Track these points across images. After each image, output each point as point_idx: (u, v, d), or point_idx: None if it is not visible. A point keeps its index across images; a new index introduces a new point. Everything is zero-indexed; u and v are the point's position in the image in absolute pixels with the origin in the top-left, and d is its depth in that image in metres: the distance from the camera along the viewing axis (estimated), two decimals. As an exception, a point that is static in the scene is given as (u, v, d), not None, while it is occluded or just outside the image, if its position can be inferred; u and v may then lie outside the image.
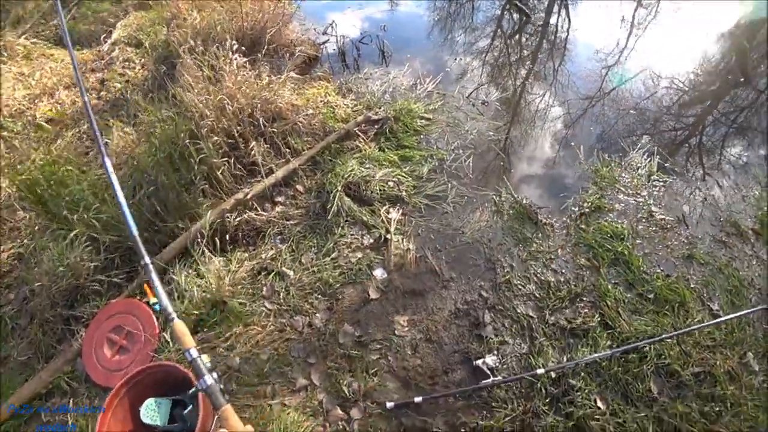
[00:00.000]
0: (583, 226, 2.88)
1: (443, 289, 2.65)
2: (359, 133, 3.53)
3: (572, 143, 3.56)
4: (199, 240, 2.61)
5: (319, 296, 2.59)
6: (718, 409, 2.22)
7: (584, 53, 4.66)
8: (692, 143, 3.64)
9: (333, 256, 2.74)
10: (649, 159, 3.33)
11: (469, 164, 3.35)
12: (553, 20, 5.24)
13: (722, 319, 2.39)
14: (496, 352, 2.35)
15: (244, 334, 2.41)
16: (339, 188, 2.99)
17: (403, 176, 3.19)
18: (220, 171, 2.93)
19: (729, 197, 3.13)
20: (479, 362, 2.30)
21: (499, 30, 5.11)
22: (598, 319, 2.45)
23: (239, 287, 2.57)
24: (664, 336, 2.26)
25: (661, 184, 3.19)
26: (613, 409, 2.15)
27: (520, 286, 2.63)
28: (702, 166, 3.39)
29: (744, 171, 3.34)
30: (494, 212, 3.02)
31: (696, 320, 2.45)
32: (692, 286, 2.62)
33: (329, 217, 2.89)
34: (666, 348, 2.29)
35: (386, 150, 3.44)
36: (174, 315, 1.45)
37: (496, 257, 2.76)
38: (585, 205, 3.00)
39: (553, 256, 2.76)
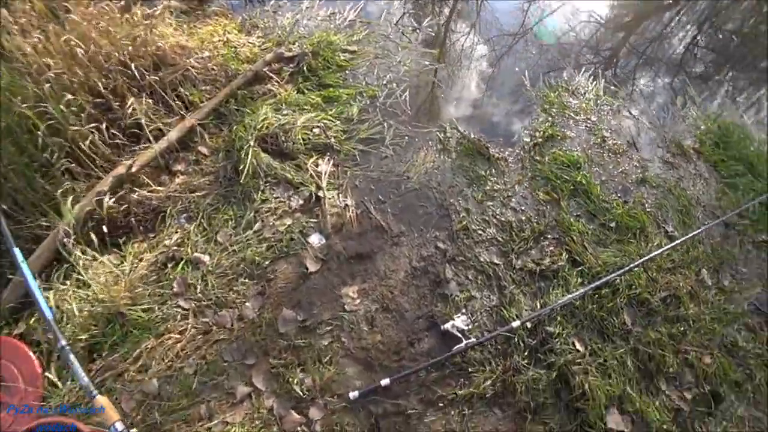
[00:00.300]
0: (537, 158, 2.66)
1: (394, 247, 2.28)
2: (271, 75, 2.89)
3: (516, 69, 3.25)
4: (66, 239, 1.89)
5: (246, 280, 2.08)
6: (682, 328, 2.21)
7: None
8: (633, 65, 3.55)
9: (256, 227, 2.22)
10: (594, 83, 3.15)
11: (406, 99, 2.92)
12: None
13: (679, 240, 2.35)
14: (464, 311, 2.08)
15: (159, 347, 1.83)
16: (252, 143, 2.39)
17: (329, 120, 2.68)
18: (88, 141, 2.16)
19: (670, 118, 3.08)
20: (448, 326, 2.01)
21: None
22: (566, 256, 2.27)
23: (140, 289, 1.94)
24: (631, 265, 2.15)
25: (609, 107, 3.06)
26: (591, 349, 2.03)
27: (479, 232, 2.34)
28: (643, 89, 3.31)
29: (682, 92, 3.32)
30: (440, 151, 2.67)
31: (655, 244, 2.38)
32: (648, 210, 2.53)
33: (244, 181, 2.32)
34: (634, 277, 2.18)
35: (306, 92, 2.87)
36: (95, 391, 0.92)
37: (448, 202, 2.44)
38: (537, 134, 2.78)
39: (510, 194, 2.51)
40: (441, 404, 1.89)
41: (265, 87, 2.85)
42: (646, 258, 2.21)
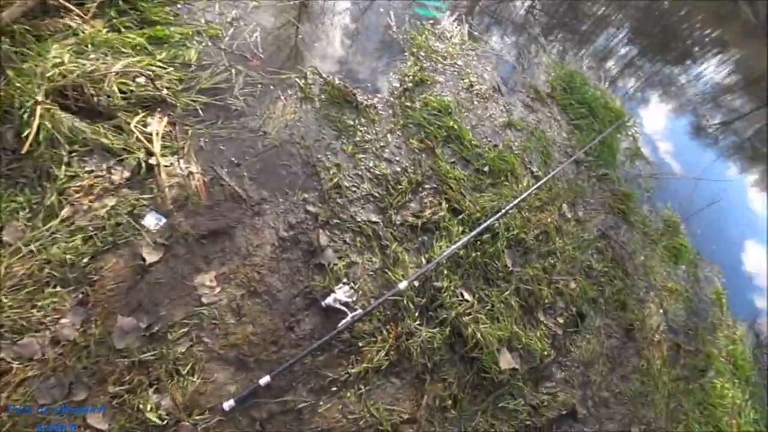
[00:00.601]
0: (408, 104, 2.50)
1: (256, 217, 1.91)
2: (67, 4, 2.07)
3: (381, 9, 2.97)
4: None
5: (57, 289, 1.46)
6: (552, 261, 2.33)
7: None
8: (493, 13, 3.58)
9: (64, 215, 1.62)
10: (459, 27, 3.08)
11: (257, 40, 2.43)
12: None
13: (545, 179, 2.48)
14: (345, 280, 1.83)
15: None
16: (40, 98, 1.68)
17: (159, 67, 2.05)
18: None
19: (527, 64, 3.20)
20: (329, 300, 1.75)
21: None
22: (446, 205, 2.18)
23: None
24: (508, 208, 2.16)
25: (474, 52, 3.04)
26: (479, 296, 2.00)
27: (353, 189, 2.10)
28: (504, 37, 3.37)
29: (535, 41, 3.47)
30: (302, 100, 2.31)
31: (524, 185, 2.45)
32: (516, 152, 2.59)
33: (37, 153, 1.62)
34: (511, 219, 2.19)
35: (124, 30, 2.14)
36: None
37: (315, 158, 2.13)
38: (407, 79, 2.60)
39: (383, 144, 2.30)
40: (334, 388, 1.68)
41: (58, 22, 2.03)
42: (520, 199, 2.27)
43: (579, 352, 2.35)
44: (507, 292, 2.06)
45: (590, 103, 3.35)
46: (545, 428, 2.09)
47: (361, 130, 2.29)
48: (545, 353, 2.14)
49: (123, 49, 2.04)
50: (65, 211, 1.63)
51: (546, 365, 2.18)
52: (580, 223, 2.69)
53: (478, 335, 1.86)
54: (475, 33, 3.21)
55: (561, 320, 2.30)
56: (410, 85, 2.56)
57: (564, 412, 2.19)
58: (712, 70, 8.43)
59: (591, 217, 2.80)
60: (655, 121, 5.18)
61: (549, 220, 2.40)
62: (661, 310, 3.00)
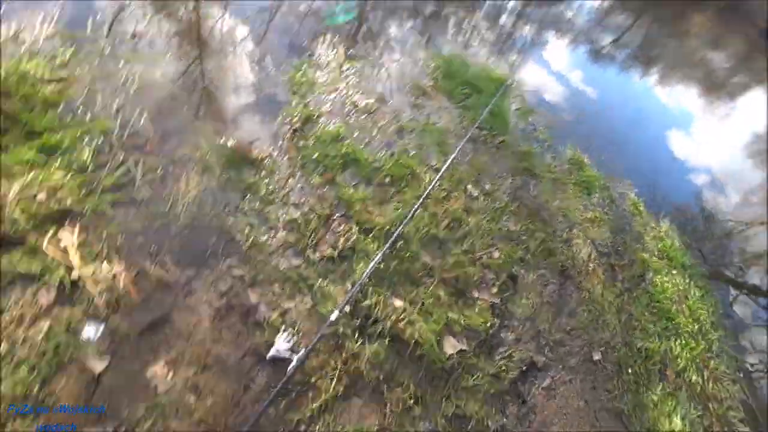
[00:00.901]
0: (302, 143, 2.64)
1: (188, 297, 2.04)
2: None
3: (257, 58, 3.12)
4: None
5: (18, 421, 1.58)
6: (470, 241, 2.56)
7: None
8: (365, 28, 3.76)
9: (3, 350, 1.69)
10: (335, 50, 3.25)
11: (147, 123, 2.51)
12: None
13: (443, 169, 2.67)
14: (283, 327, 1.99)
15: None
16: None
17: (58, 179, 2.12)
18: None
19: (407, 65, 3.40)
20: (272, 352, 1.93)
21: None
22: (356, 228, 2.36)
23: None
24: (412, 211, 2.35)
25: (353, 71, 3.20)
26: (409, 299, 2.18)
27: (270, 242, 2.26)
28: (379, 45, 3.56)
29: (410, 43, 3.68)
30: (203, 171, 2.41)
31: (426, 181, 2.65)
32: (412, 153, 2.80)
33: None
34: (419, 220, 2.41)
35: (12, 148, 2.19)
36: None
37: (228, 223, 2.25)
38: (294, 120, 2.73)
39: (287, 189, 2.47)
40: (302, 428, 1.82)
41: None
42: (422, 198, 2.46)
43: (521, 310, 2.62)
44: (433, 287, 2.28)
45: (472, 81, 3.61)
46: (512, 389, 2.36)
47: (264, 184, 2.44)
48: (489, 324, 2.39)
49: (15, 169, 2.09)
50: (3, 347, 1.71)
51: (493, 334, 2.43)
52: (490, 195, 2.95)
53: (416, 335, 2.08)
54: (351, 51, 3.39)
55: (495, 290, 2.56)
56: (298, 125, 2.72)
57: (524, 368, 2.45)
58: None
59: (498, 186, 3.07)
60: (557, 62, 5.54)
61: (456, 206, 2.64)
62: (588, 240, 3.33)
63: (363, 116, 2.96)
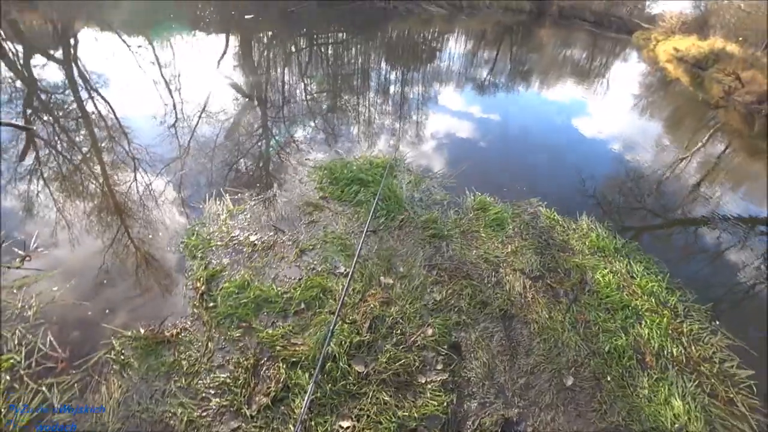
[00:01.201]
0: (212, 304, 2.69)
1: None
2: None
3: (152, 233, 3.25)
4: None
5: None
6: (399, 330, 2.58)
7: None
8: (245, 170, 4.09)
9: None
10: (220, 201, 3.46)
11: (51, 342, 2.49)
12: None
13: (350, 274, 2.76)
14: None
15: None
16: None
17: None
18: None
19: (293, 189, 3.67)
20: None
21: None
22: (284, 366, 2.37)
23: None
24: (330, 327, 2.40)
25: (241, 214, 3.40)
26: (354, 416, 2.14)
27: (204, 413, 2.21)
28: (262, 181, 3.85)
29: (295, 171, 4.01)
30: (121, 369, 2.38)
31: (339, 291, 2.74)
32: (318, 270, 2.93)
33: None
34: (340, 333, 2.46)
35: None
36: None
37: (160, 413, 2.21)
38: (199, 285, 2.81)
39: (208, 355, 2.45)
40: None
41: None
42: (337, 312, 2.53)
43: (475, 373, 2.61)
44: (373, 392, 2.27)
45: (358, 176, 3.95)
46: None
47: (184, 359, 2.43)
48: (445, 404, 2.37)
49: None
50: None
51: (454, 411, 2.40)
52: (405, 277, 3.08)
53: (369, 453, 2.03)
54: (235, 195, 3.64)
55: (440, 366, 2.57)
56: (203, 288, 2.80)
57: (499, 430, 2.40)
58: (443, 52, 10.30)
59: (411, 265, 3.23)
60: (446, 113, 6.10)
61: (373, 304, 2.73)
62: (517, 273, 3.47)
63: (264, 254, 3.10)
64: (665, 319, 3.29)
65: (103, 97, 4.55)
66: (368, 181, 3.95)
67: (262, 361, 2.42)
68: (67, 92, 4.72)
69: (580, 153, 5.41)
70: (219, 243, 3.14)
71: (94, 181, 3.34)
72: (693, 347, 3.15)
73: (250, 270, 2.92)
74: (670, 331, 3.24)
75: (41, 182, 3.64)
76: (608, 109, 8.39)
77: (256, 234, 3.24)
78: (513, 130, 5.48)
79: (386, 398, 2.28)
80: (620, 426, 2.55)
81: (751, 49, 17.66)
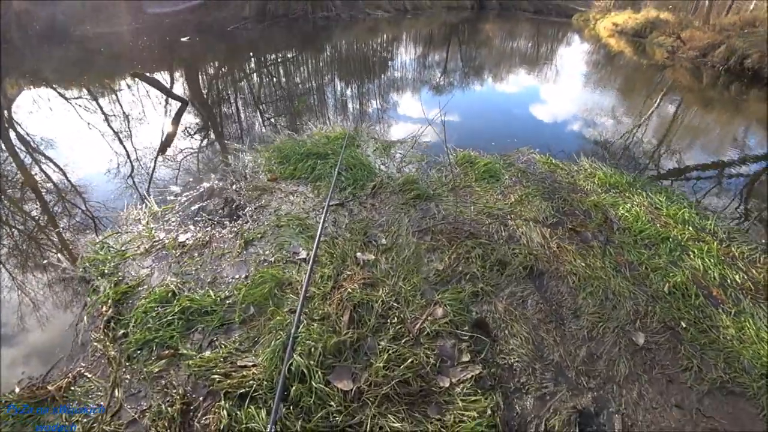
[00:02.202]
0: (121, 331, 1.75)
1: None
2: None
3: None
4: None
5: None
6: (395, 319, 1.71)
7: None
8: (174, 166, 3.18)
9: None
10: (143, 204, 2.56)
11: None
12: None
13: (312, 256, 1.88)
14: None
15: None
16: None
17: None
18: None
19: (234, 176, 2.79)
20: None
21: None
22: (228, 404, 1.42)
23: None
24: (291, 337, 1.49)
25: (172, 214, 2.49)
26: None
27: None
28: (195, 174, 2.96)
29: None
30: None
31: (301, 281, 1.85)
32: (271, 261, 2.03)
33: None
34: (309, 335, 1.55)
35: None
36: None
37: None
38: (105, 309, 1.87)
39: (115, 407, 1.49)
40: None
41: None
42: (300, 306, 1.64)
43: (517, 354, 1.74)
44: (371, 421, 1.35)
45: (313, 151, 3.08)
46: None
47: (76, 421, 1.48)
48: (490, 411, 1.47)
49: None
50: None
51: (506, 419, 1.51)
52: (391, 249, 2.20)
53: None
54: (161, 197, 2.71)
55: (466, 357, 1.68)
56: (111, 311, 1.84)
57: (577, 430, 1.52)
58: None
59: (396, 233, 2.36)
60: (405, 111, 5.43)
61: (351, 288, 1.83)
62: (530, 223, 2.65)
63: (196, 254, 2.16)
64: (714, 246, 2.55)
65: (50, 159, 3.61)
66: (326, 153, 3.07)
67: (197, 402, 1.47)
68: (8, 162, 3.77)
69: (546, 136, 4.81)
70: (137, 252, 2.19)
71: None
72: (754, 271, 2.42)
73: (176, 277, 1.98)
74: (722, 258, 2.49)
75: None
76: (562, 91, 8.10)
77: (186, 233, 2.31)
78: (471, 129, 4.84)
79: (395, 425, 1.35)
80: (726, 382, 1.71)
81: (682, 13, 18.13)
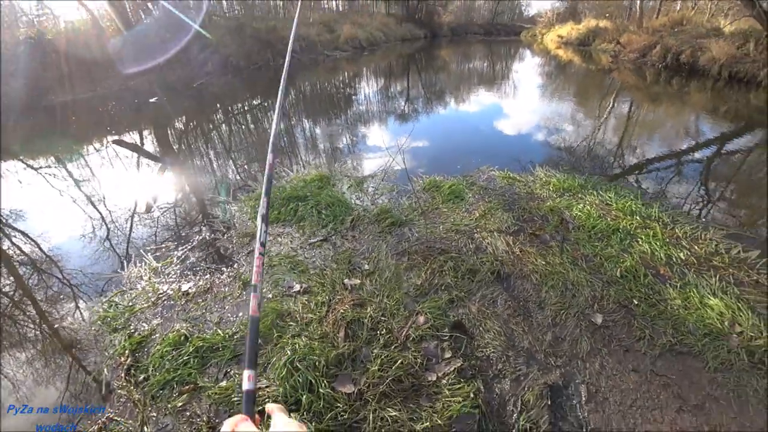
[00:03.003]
0: (141, 376, 1.98)
1: None
2: None
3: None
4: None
5: None
6: (383, 331, 2.01)
7: None
8: (166, 226, 3.46)
9: None
10: (143, 263, 2.82)
11: None
12: None
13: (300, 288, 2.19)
14: None
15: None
16: None
17: None
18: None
19: (224, 224, 3.08)
20: None
21: None
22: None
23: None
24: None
25: (171, 268, 2.76)
26: None
27: None
28: (188, 231, 3.24)
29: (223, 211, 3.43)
30: None
31: (299, 310, 2.15)
32: (269, 298, 2.32)
33: None
34: (310, 351, 1.84)
35: None
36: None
37: None
38: (123, 360, 2.10)
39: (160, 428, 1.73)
40: None
41: None
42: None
43: (492, 346, 2.06)
44: (374, 415, 1.64)
45: (293, 194, 3.44)
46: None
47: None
48: (473, 395, 1.77)
49: None
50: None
51: (488, 401, 1.80)
52: (373, 273, 2.53)
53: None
54: (158, 253, 2.98)
55: (448, 354, 1.99)
56: (129, 360, 2.09)
57: (548, 402, 1.82)
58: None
59: (377, 258, 2.70)
60: (374, 141, 5.84)
61: (342, 309, 2.14)
62: (494, 233, 3.03)
63: (200, 300, 2.44)
64: (658, 231, 2.99)
65: (22, 232, 3.81)
66: (305, 196, 3.43)
67: (220, 427, 1.72)
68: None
69: (511, 150, 5.34)
70: (144, 305, 2.45)
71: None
72: (696, 247, 2.84)
73: (186, 323, 2.25)
74: (667, 240, 2.91)
75: None
76: (521, 104, 8.81)
77: (188, 282, 2.58)
78: (437, 152, 5.33)
79: (394, 413, 1.65)
80: (675, 345, 2.07)
81: (619, 20, 19.84)
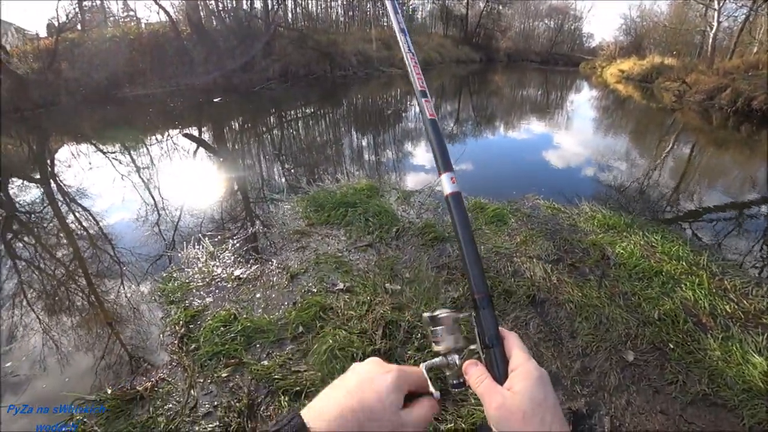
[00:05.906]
0: (193, 345, 2.26)
1: None
2: None
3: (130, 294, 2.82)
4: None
5: None
6: (419, 332, 2.15)
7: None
8: (222, 214, 3.81)
9: None
10: (200, 246, 3.14)
11: None
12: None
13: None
14: None
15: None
16: None
17: None
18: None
19: (276, 223, 3.36)
20: None
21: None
22: (285, 399, 1.88)
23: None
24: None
25: (225, 252, 3.05)
26: None
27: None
28: (241, 218, 3.55)
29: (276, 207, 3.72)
30: None
31: (341, 307, 2.34)
32: (315, 290, 2.56)
33: None
34: (349, 344, 2.02)
35: None
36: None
37: None
38: (178, 329, 2.38)
39: (191, 404, 1.96)
40: None
41: None
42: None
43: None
44: None
45: (343, 201, 3.69)
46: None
47: (161, 414, 1.93)
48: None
49: None
50: None
51: None
52: (413, 281, 2.70)
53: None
54: (215, 239, 3.31)
55: (475, 364, 2.11)
56: (183, 330, 2.36)
57: (569, 416, 1.89)
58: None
59: (417, 268, 2.87)
60: (423, 160, 6.08)
61: (382, 310, 2.32)
62: (533, 259, 3.11)
63: (250, 286, 2.70)
64: (704, 279, 2.93)
65: (84, 208, 4.37)
66: (354, 203, 3.68)
67: (259, 399, 1.93)
68: (47, 210, 4.53)
69: (558, 181, 5.36)
70: (200, 284, 2.74)
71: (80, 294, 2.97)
72: (745, 302, 2.77)
73: (236, 304, 2.51)
74: (714, 290, 2.86)
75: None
76: (574, 137, 8.70)
77: (240, 268, 2.87)
78: (483, 176, 5.46)
79: None
80: (709, 395, 2.06)
81: (687, 58, 19.15)
